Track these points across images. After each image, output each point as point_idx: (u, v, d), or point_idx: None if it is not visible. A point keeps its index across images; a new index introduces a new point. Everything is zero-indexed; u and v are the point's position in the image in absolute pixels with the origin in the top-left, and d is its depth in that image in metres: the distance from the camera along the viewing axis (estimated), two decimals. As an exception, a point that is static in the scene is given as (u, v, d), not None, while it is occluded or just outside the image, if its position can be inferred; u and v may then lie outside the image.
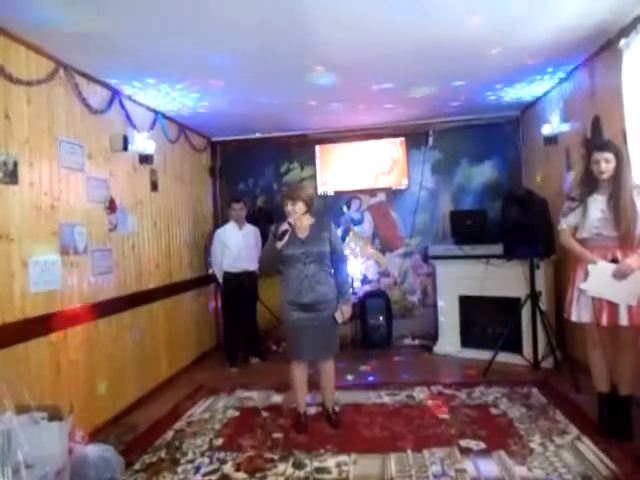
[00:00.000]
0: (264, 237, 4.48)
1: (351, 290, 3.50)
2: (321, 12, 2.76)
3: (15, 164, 2.81)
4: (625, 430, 2.86)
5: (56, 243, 3.13)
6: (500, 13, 2.87)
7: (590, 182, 2.89)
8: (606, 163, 2.78)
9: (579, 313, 2.90)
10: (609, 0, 2.76)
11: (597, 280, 2.79)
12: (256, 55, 3.36)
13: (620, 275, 2.72)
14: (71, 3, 2.52)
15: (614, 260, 2.78)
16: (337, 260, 3.32)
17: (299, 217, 3.21)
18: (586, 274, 2.83)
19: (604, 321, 2.79)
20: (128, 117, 4.03)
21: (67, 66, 3.27)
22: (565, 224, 2.98)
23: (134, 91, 3.97)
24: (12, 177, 2.79)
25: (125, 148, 3.83)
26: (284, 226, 3.09)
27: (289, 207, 3.18)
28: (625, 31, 3.04)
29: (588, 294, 2.82)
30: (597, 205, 2.83)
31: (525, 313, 4.34)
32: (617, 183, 2.78)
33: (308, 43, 3.18)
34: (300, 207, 3.20)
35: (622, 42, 3.03)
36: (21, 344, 2.76)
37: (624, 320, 2.74)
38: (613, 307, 2.77)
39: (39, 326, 2.90)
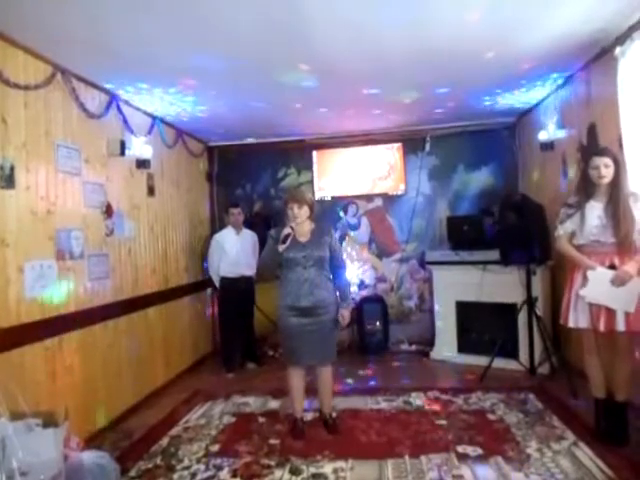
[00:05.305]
0: (261, 242, 4.48)
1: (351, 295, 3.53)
2: (318, 18, 2.77)
3: (12, 168, 2.80)
4: (621, 436, 2.86)
5: (52, 248, 3.12)
6: (496, 20, 2.89)
7: (587, 188, 2.90)
8: (606, 168, 2.80)
9: (576, 319, 2.91)
10: (605, 8, 2.79)
11: (596, 286, 2.80)
12: (253, 60, 3.36)
13: (619, 282, 2.73)
14: (69, 8, 2.52)
15: (612, 267, 2.80)
16: (337, 266, 3.33)
17: (302, 221, 3.21)
18: (585, 280, 2.84)
19: (601, 327, 2.80)
20: (125, 122, 4.03)
21: (65, 70, 3.27)
22: (562, 230, 2.99)
23: (132, 96, 3.97)
24: (9, 181, 2.78)
25: (122, 153, 3.82)
26: (287, 230, 3.09)
27: (295, 210, 3.17)
28: (620, 39, 3.07)
29: (586, 300, 2.83)
30: (594, 212, 2.85)
31: (521, 319, 4.35)
32: (615, 189, 2.80)
33: (305, 48, 3.18)
34: (305, 211, 3.20)
35: (617, 50, 3.05)
36: (16, 350, 2.74)
37: (621, 326, 2.75)
38: (611, 313, 2.78)
39: (35, 331, 2.89)
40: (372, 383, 4.42)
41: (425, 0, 2.61)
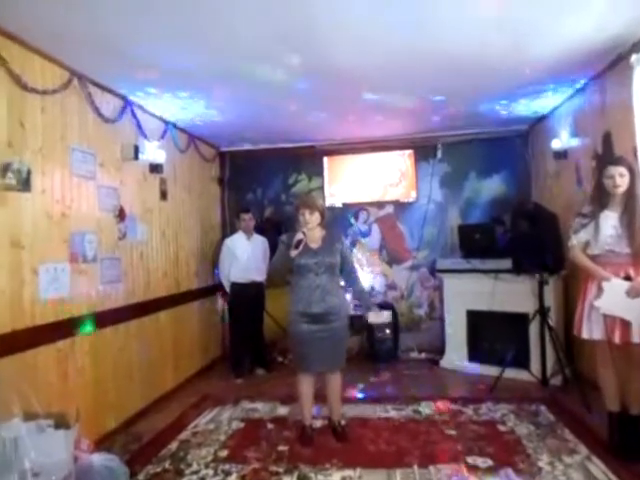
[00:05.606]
0: (272, 248, 4.48)
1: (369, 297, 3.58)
2: (337, 33, 2.84)
3: (28, 172, 2.84)
4: (636, 450, 2.80)
5: (66, 251, 3.15)
6: (512, 27, 2.88)
7: (602, 198, 2.87)
8: (621, 177, 2.77)
9: (590, 330, 2.86)
10: (621, 15, 2.77)
11: (611, 297, 2.76)
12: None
13: (634, 293, 2.69)
14: (87, 14, 2.55)
15: (627, 277, 2.76)
16: (350, 272, 3.34)
17: (313, 227, 3.21)
18: (600, 291, 2.81)
19: (617, 338, 2.76)
20: (139, 126, 4.07)
21: (81, 76, 3.31)
22: (576, 240, 2.96)
23: (145, 101, 4.01)
24: (25, 185, 2.82)
25: (136, 157, 3.87)
26: (299, 235, 3.10)
27: (306, 216, 3.18)
28: (636, 47, 3.04)
29: (601, 312, 2.79)
30: (609, 221, 2.81)
31: (533, 329, 4.30)
32: (630, 199, 2.77)
33: (311, 47, 3.16)
34: (316, 217, 3.21)
35: (633, 58, 3.02)
36: (30, 351, 2.76)
37: (637, 337, 2.70)
38: (626, 324, 2.74)
39: (48, 333, 2.91)
40: (381, 391, 4.38)
41: (434, 3, 2.61)
